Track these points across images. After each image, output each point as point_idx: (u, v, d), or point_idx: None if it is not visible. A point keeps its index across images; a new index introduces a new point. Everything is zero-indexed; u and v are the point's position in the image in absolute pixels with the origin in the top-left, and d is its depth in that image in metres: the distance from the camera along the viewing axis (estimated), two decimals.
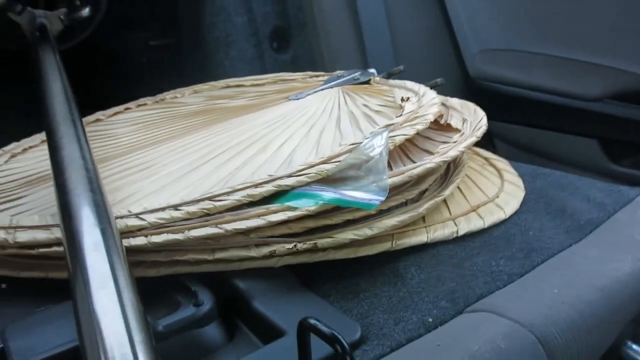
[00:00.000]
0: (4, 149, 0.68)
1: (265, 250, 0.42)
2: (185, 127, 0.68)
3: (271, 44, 0.88)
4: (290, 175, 0.46)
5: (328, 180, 0.46)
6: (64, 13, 0.91)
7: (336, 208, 0.44)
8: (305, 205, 0.43)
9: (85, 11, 1.02)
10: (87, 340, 0.29)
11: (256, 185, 0.46)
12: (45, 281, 0.45)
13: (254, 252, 0.42)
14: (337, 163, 0.47)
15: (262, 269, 0.43)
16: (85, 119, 0.76)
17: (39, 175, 0.58)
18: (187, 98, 0.83)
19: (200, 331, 0.39)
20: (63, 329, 0.37)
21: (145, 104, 0.81)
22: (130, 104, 0.81)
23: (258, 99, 0.76)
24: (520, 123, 0.79)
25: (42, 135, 0.71)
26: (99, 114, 0.78)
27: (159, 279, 0.43)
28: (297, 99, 0.71)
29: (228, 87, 0.84)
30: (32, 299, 0.43)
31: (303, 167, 0.47)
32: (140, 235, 0.44)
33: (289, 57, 0.88)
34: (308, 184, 0.46)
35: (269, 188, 0.45)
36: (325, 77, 0.79)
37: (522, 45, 0.74)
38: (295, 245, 0.42)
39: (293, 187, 0.46)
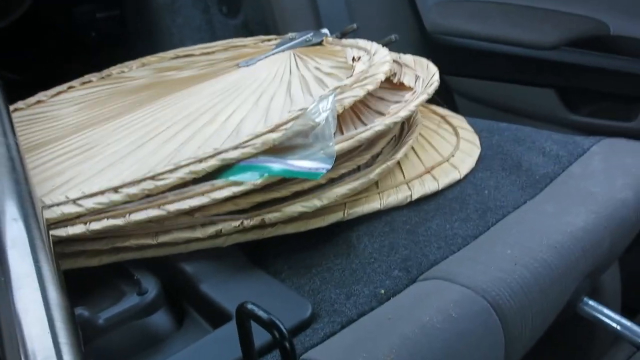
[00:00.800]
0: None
1: (211, 229, 0.40)
2: (132, 102, 0.65)
3: (220, 9, 0.84)
4: (235, 148, 0.44)
5: (275, 150, 0.44)
6: None
7: (283, 180, 0.42)
8: (251, 179, 0.40)
9: None
10: (7, 345, 0.27)
11: (200, 161, 0.43)
12: None
13: (199, 233, 0.40)
14: (284, 131, 0.44)
15: (210, 249, 0.40)
16: (26, 101, 0.71)
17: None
18: (135, 72, 0.78)
19: (148, 319, 0.37)
20: None
21: (90, 81, 0.76)
22: (74, 82, 0.76)
23: (208, 68, 0.72)
24: (478, 77, 0.77)
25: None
26: (40, 95, 0.73)
27: (102, 269, 0.41)
28: (248, 66, 0.67)
29: (177, 57, 0.80)
30: None
31: (249, 137, 0.44)
32: (78, 223, 0.41)
33: (240, 21, 0.83)
34: (254, 155, 0.43)
35: (213, 163, 0.42)
36: (277, 41, 0.75)
37: None
38: (242, 222, 0.40)
39: (238, 160, 0.43)
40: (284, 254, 0.40)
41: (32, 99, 0.71)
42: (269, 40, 0.78)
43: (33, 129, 0.63)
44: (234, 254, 0.40)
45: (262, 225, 0.41)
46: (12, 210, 0.34)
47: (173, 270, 0.40)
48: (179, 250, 0.41)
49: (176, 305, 0.39)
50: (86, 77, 0.77)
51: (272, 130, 0.45)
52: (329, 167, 0.39)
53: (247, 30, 0.85)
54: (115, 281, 0.40)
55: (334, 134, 0.43)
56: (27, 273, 0.29)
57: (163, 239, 0.40)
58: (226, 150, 0.44)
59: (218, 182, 0.42)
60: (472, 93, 0.79)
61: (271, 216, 0.40)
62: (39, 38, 1.09)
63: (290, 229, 0.41)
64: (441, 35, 0.78)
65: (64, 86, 0.74)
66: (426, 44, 0.80)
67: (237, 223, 0.40)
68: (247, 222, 0.40)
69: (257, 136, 0.44)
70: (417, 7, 0.79)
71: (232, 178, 0.42)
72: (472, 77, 0.77)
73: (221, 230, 0.40)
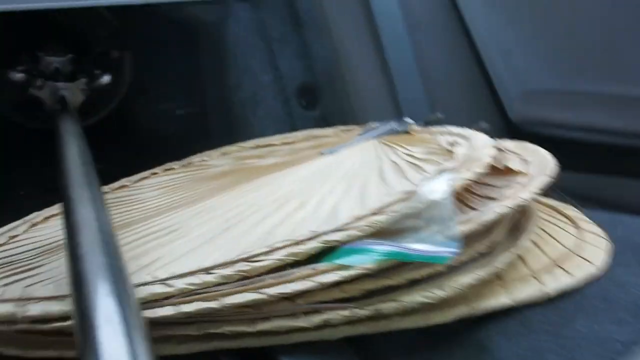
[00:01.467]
0: (25, 218, 0.63)
1: (317, 319, 0.35)
2: (214, 188, 0.63)
3: (299, 101, 0.84)
4: (337, 230, 0.39)
5: (382, 234, 0.39)
6: (84, 83, 0.89)
7: (396, 266, 0.37)
8: (361, 263, 0.35)
9: (106, 79, 1.00)
10: None
11: (298, 243, 0.39)
12: None
13: (303, 322, 0.35)
14: (391, 213, 0.40)
15: (315, 342, 0.35)
16: (110, 186, 0.71)
17: (59, 243, 0.52)
18: (216, 160, 0.78)
19: None
20: None
21: (172, 168, 0.76)
22: (157, 169, 0.76)
23: (290, 156, 0.70)
24: (571, 169, 0.72)
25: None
26: (124, 181, 0.73)
27: (193, 357, 0.35)
28: (331, 153, 0.65)
29: (257, 147, 0.80)
30: None
31: (351, 220, 0.40)
32: (167, 305, 0.37)
33: (319, 113, 0.83)
34: (359, 238, 0.39)
35: (313, 245, 0.38)
36: (359, 130, 0.73)
37: (567, 83, 0.68)
38: (353, 312, 0.34)
39: (342, 243, 0.39)
40: (400, 353, 0.34)
41: (115, 184, 0.71)
42: (349, 130, 0.77)
43: (116, 211, 0.62)
44: (342, 349, 0.34)
45: (376, 317, 0.35)
46: (105, 286, 0.31)
47: None
48: (279, 341, 0.35)
49: None
50: (168, 165, 0.77)
51: (376, 213, 0.41)
52: (457, 250, 0.33)
53: (326, 122, 0.84)
54: None
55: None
56: (120, 353, 0.25)
57: (262, 326, 0.35)
58: (327, 233, 0.39)
59: (321, 265, 0.37)
60: (563, 185, 0.73)
61: (386, 306, 0.35)
62: (121, 133, 1.14)
63: (407, 322, 0.35)
64: (529, 125, 0.74)
65: (147, 173, 0.74)
66: (510, 133, 0.77)
67: (346, 312, 0.35)
68: (358, 312, 0.34)
69: (360, 218, 0.40)
70: (499, 96, 0.77)
71: (338, 261, 0.37)
72: (566, 169, 0.72)
73: (328, 320, 0.35)
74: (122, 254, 0.36)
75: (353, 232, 0.39)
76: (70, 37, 1.07)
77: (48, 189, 0.71)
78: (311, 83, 0.82)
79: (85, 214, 0.42)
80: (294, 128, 0.84)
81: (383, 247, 0.37)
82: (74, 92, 0.83)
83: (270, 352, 0.35)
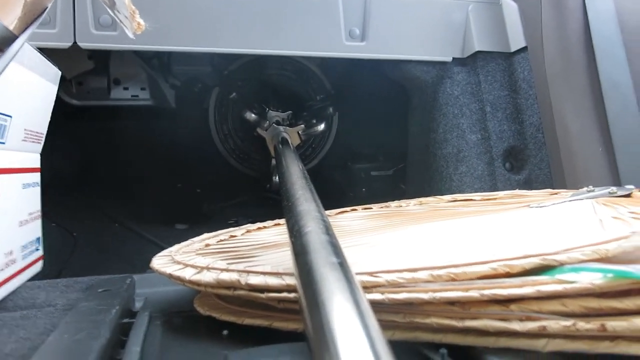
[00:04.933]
0: (241, 226, 0.72)
1: (532, 325, 0.33)
2: (410, 219, 0.65)
3: (504, 163, 0.84)
4: (558, 251, 0.38)
5: (605, 261, 0.37)
6: (302, 129, 1.02)
7: (626, 290, 0.34)
8: (589, 279, 0.34)
9: (321, 127, 1.13)
10: None
11: (514, 258, 0.38)
12: (269, 331, 0.42)
13: (516, 326, 0.33)
14: (620, 242, 0.37)
15: (523, 352, 0.33)
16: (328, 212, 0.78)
17: (273, 244, 0.59)
18: (412, 207, 0.81)
19: None
20: None
21: (370, 208, 0.81)
22: (357, 207, 0.81)
23: (491, 207, 0.70)
24: None
25: (274, 221, 0.74)
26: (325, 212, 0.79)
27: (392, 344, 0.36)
28: (541, 207, 0.63)
29: (455, 200, 0.80)
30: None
31: (574, 245, 0.38)
32: (375, 292, 0.39)
33: (523, 177, 0.82)
34: (581, 262, 0.37)
35: (532, 260, 0.37)
36: (569, 193, 0.70)
37: None
38: (574, 324, 0.32)
39: (562, 264, 0.37)
40: None
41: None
42: (558, 192, 0.74)
43: None
44: None
45: (600, 336, 0.32)
46: (328, 257, 0.34)
47: None
48: (485, 342, 0.34)
49: None
50: (367, 205, 0.82)
51: (602, 242, 0.38)
52: None
53: (529, 187, 0.82)
54: None
55: None
56: (354, 325, 0.26)
57: (470, 324, 0.35)
58: (547, 253, 0.38)
59: (542, 277, 0.36)
60: None
61: (615, 325, 0.32)
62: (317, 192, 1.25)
63: (636, 348, 0.32)
64: None
65: (348, 208, 0.80)
66: None
67: (568, 323, 0.33)
68: (582, 325, 0.32)
69: (588, 245, 0.38)
70: None
71: (560, 276, 0.35)
72: None
73: (545, 327, 0.33)
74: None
75: (575, 255, 0.37)
76: (292, 97, 1.24)
77: (252, 221, 0.80)
78: (519, 146, 0.82)
79: (308, 206, 0.47)
80: (494, 188, 0.83)
81: (611, 267, 0.35)
82: (292, 135, 0.96)
83: (474, 354, 0.34)
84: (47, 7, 0.45)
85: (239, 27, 0.75)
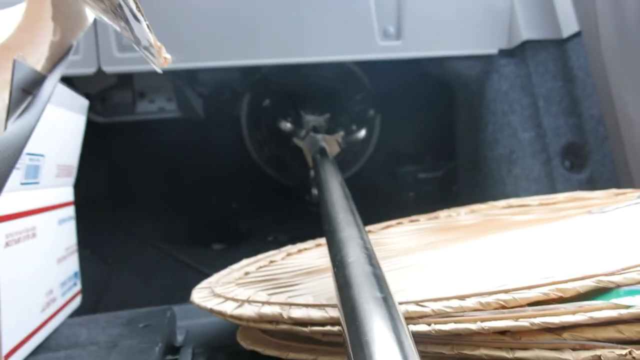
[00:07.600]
0: (281, 249, 0.76)
1: (585, 354, 0.35)
2: (461, 235, 0.67)
3: (563, 162, 0.84)
4: (614, 272, 0.40)
5: None
6: (341, 136, 1.05)
7: None
8: None
9: (361, 134, 1.15)
10: None
11: (567, 281, 0.40)
12: None
13: (569, 356, 0.35)
14: None
15: None
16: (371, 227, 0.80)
17: (315, 269, 0.62)
18: (463, 216, 0.82)
19: None
20: None
21: (417, 220, 0.83)
22: (402, 220, 0.84)
23: (549, 214, 0.71)
24: None
25: (315, 241, 0.77)
26: (369, 227, 0.82)
27: None
28: (603, 212, 0.64)
29: (510, 206, 0.82)
30: None
31: (631, 264, 0.40)
32: (422, 323, 0.42)
33: (585, 176, 0.82)
34: (639, 283, 0.39)
35: (586, 283, 0.39)
36: (637, 193, 0.70)
37: None
38: (630, 353, 0.34)
39: (619, 285, 0.39)
40: None
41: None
42: (624, 193, 0.74)
43: None
44: None
45: None
46: (371, 291, 0.36)
47: None
48: None
49: None
50: (414, 217, 0.84)
51: None
52: None
53: (593, 186, 0.82)
54: None
55: None
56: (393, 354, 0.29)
57: (521, 355, 0.37)
58: (604, 274, 0.40)
59: (596, 302, 0.38)
60: None
61: None
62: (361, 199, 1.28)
63: None
64: None
65: (393, 222, 0.82)
66: None
67: (623, 352, 0.34)
68: (639, 354, 0.34)
69: None
70: None
71: (616, 300, 0.37)
72: None
73: (599, 357, 0.35)
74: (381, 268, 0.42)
75: (633, 275, 0.39)
76: (329, 99, 1.27)
77: (292, 237, 0.83)
78: (579, 143, 0.82)
79: (350, 232, 0.50)
80: (553, 190, 0.83)
81: None
82: (331, 143, 0.99)
83: None
84: (74, 45, 0.49)
85: (267, 37, 0.79)
